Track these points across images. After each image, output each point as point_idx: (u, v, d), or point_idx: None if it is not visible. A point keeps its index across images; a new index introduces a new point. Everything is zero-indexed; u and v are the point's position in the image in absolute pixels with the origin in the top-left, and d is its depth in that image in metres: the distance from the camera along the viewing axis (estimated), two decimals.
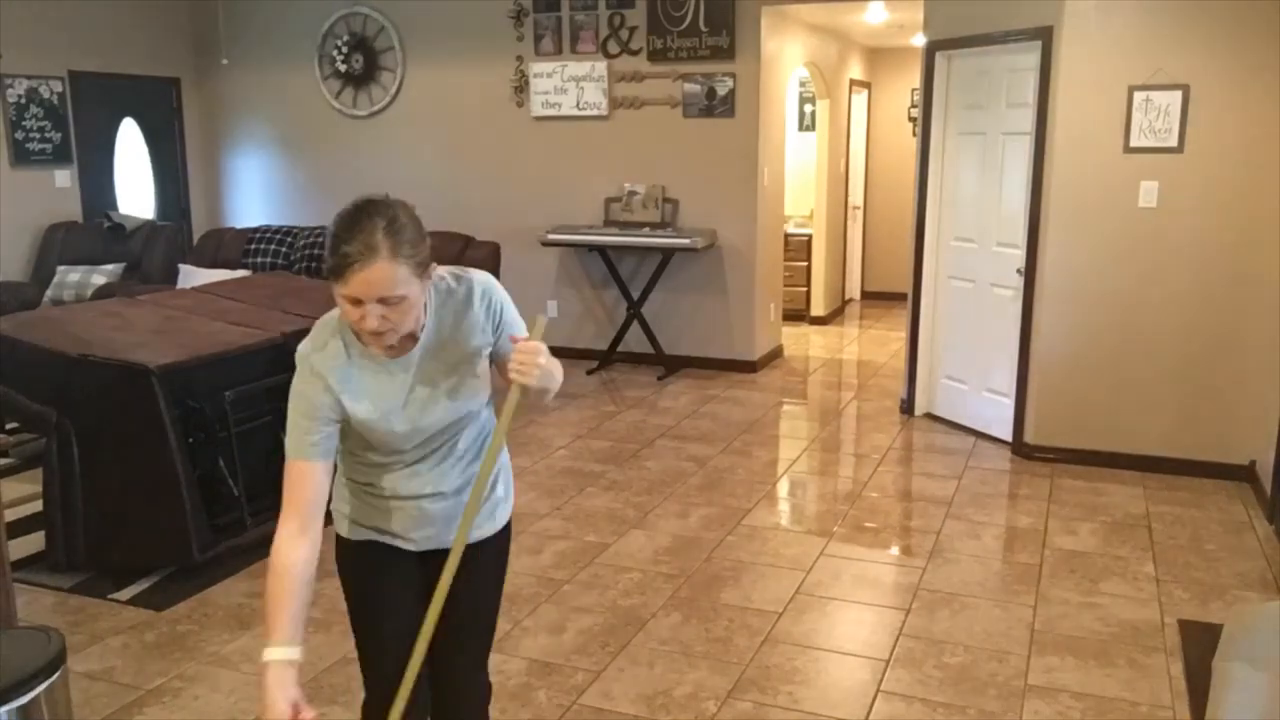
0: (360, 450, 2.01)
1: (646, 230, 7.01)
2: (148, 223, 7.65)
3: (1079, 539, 4.30)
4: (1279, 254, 4.73)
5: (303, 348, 1.96)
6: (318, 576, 4.03)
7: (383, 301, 1.78)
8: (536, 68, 7.33)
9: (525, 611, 3.64)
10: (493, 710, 3.01)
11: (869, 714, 3.01)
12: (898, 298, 6.23)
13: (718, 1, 6.77)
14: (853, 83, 9.46)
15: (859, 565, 4.05)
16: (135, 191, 8.22)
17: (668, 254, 7.01)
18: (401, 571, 2.10)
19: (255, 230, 7.21)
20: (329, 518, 1.97)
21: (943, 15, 5.68)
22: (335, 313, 1.92)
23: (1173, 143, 4.82)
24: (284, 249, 6.96)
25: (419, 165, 7.87)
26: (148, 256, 7.33)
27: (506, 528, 2.21)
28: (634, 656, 3.32)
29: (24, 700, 2.06)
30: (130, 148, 8.16)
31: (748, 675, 3.21)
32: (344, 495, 2.10)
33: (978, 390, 5.72)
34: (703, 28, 6.84)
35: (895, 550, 4.25)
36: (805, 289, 9.06)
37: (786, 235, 8.27)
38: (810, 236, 9.00)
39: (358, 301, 1.78)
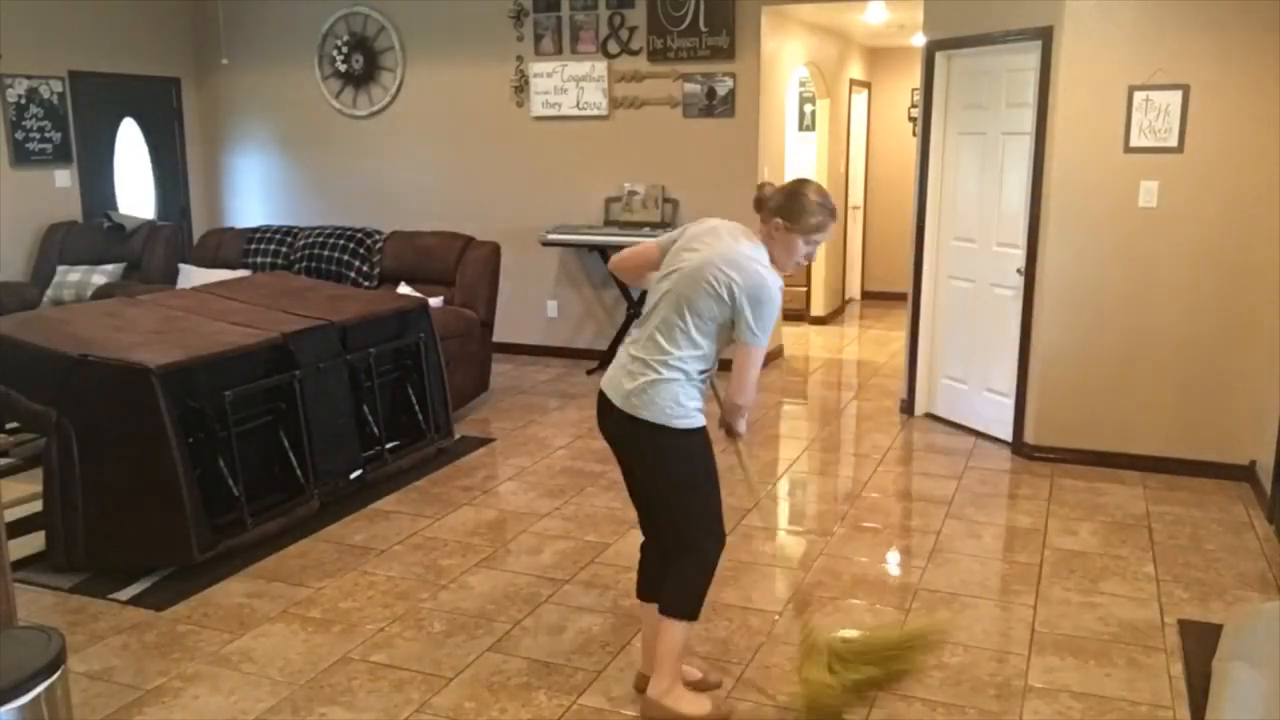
0: (715, 349, 2.80)
1: (646, 230, 7.00)
2: (148, 223, 7.65)
3: (1079, 539, 4.30)
4: (1279, 254, 4.73)
5: (768, 276, 2.72)
6: (317, 578, 4.00)
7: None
8: (536, 68, 7.33)
9: (525, 611, 3.64)
10: (493, 710, 3.02)
11: (869, 714, 3.01)
12: (898, 298, 6.23)
13: (718, 1, 6.77)
14: (853, 83, 9.45)
15: (859, 565, 4.05)
16: (135, 191, 8.22)
17: None
18: None
19: (255, 230, 7.21)
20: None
21: (943, 15, 5.68)
22: (752, 249, 2.75)
23: (1173, 143, 4.82)
24: (284, 249, 6.95)
25: (419, 165, 7.88)
26: (148, 256, 7.33)
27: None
28: (634, 657, 3.31)
29: (24, 700, 2.06)
30: (130, 148, 8.16)
31: (748, 675, 3.21)
32: (691, 394, 2.79)
33: (978, 390, 5.72)
34: (703, 28, 6.84)
35: (895, 550, 4.25)
36: (805, 289, 9.06)
37: None
38: None
39: (813, 243, 2.80)
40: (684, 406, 2.77)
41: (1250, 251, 4.79)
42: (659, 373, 2.76)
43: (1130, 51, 4.83)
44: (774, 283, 2.73)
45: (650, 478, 2.89)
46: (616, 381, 2.85)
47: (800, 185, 2.82)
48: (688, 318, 2.74)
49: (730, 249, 2.75)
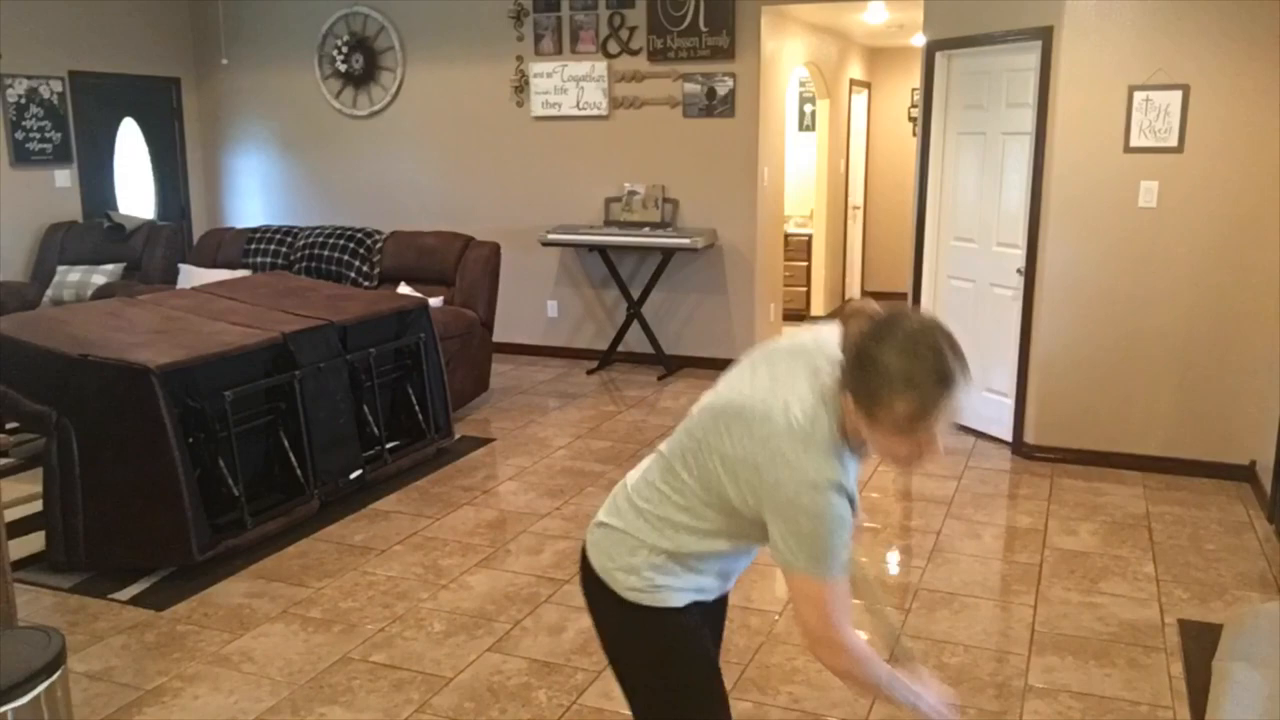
0: (729, 537, 1.79)
1: (646, 230, 7.01)
2: (148, 223, 7.65)
3: (1079, 539, 4.30)
4: (1279, 254, 4.73)
5: (827, 474, 1.60)
6: (317, 578, 4.00)
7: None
8: (536, 68, 7.33)
9: (525, 611, 3.64)
10: (493, 710, 3.02)
11: (869, 714, 3.01)
12: (898, 298, 6.22)
13: (718, 1, 6.77)
14: (853, 83, 9.45)
15: (859, 565, 4.04)
16: (135, 191, 8.22)
17: (668, 254, 7.01)
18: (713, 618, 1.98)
19: (255, 230, 7.21)
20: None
21: (943, 15, 5.68)
22: (810, 424, 1.61)
23: (1173, 142, 4.82)
24: (284, 249, 6.95)
25: (419, 165, 7.88)
26: (148, 256, 7.33)
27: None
28: None
29: (24, 700, 2.07)
30: (130, 148, 8.16)
31: (748, 675, 3.21)
32: (659, 566, 1.81)
33: (977, 390, 5.71)
34: (703, 27, 6.84)
35: (895, 550, 4.25)
36: (805, 289, 9.06)
37: (786, 235, 8.27)
38: (810, 236, 9.00)
39: (918, 438, 1.58)
40: (641, 576, 1.80)
41: (1250, 251, 4.79)
42: (614, 522, 1.89)
43: (1130, 51, 4.83)
44: (818, 478, 1.59)
45: (608, 655, 1.95)
46: (605, 506, 2.00)
47: (884, 335, 1.57)
48: (692, 469, 1.76)
49: (769, 406, 1.66)
